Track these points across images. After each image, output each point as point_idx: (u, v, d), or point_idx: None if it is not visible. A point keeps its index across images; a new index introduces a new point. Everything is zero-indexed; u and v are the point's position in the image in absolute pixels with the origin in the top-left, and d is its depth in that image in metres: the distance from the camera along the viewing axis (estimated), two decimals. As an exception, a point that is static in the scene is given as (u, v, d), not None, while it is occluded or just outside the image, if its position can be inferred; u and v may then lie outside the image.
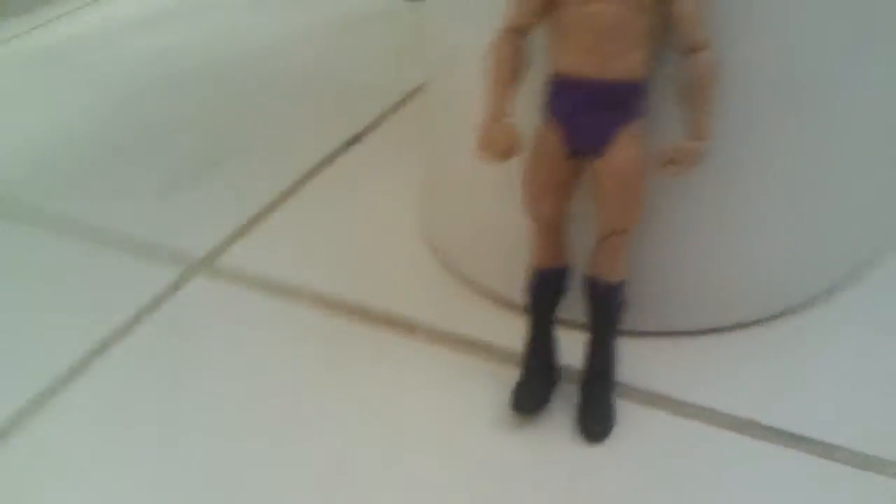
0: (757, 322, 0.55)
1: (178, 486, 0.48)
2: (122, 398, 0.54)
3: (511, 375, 0.51)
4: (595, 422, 0.49)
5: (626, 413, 0.50)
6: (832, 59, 0.49)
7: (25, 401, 0.55)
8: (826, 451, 0.47)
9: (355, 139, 0.79)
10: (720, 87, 0.45)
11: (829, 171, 0.53)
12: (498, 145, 0.46)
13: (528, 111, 0.47)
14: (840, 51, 0.49)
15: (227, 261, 0.65)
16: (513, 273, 0.56)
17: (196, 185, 0.75)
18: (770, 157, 0.50)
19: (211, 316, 0.61)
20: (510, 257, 0.56)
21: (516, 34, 0.46)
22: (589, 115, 0.45)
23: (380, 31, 1.01)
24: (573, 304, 0.51)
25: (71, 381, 0.56)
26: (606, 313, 0.49)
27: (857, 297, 0.56)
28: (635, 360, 0.52)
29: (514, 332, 0.55)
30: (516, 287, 0.56)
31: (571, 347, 0.51)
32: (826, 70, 0.49)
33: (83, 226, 0.71)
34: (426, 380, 0.54)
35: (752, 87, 0.48)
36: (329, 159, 0.76)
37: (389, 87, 0.87)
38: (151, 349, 0.58)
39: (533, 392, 0.50)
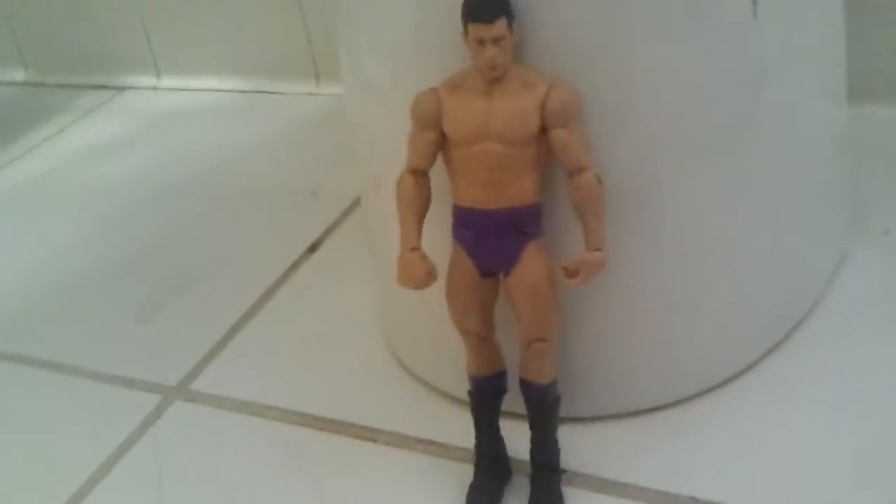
0: (692, 397, 0.58)
1: None
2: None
3: (468, 472, 0.55)
4: (544, 513, 0.52)
5: (575, 500, 0.53)
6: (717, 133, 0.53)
7: None
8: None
9: (314, 246, 0.83)
10: (605, 200, 0.49)
11: (741, 236, 0.56)
12: (414, 275, 0.50)
13: (441, 237, 0.51)
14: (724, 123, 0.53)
15: (201, 385, 0.70)
16: (464, 373, 0.60)
17: (166, 310, 0.79)
18: (678, 234, 0.54)
19: (191, 438, 0.65)
20: (460, 359, 0.60)
21: (416, 174, 0.51)
22: (490, 240, 0.50)
23: (325, 136, 1.05)
24: (517, 397, 0.54)
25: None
26: (542, 411, 0.53)
27: (780, 368, 0.60)
28: (579, 446, 0.55)
29: (470, 430, 0.59)
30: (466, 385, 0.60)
31: (521, 438, 0.54)
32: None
33: (56, 366, 0.75)
34: (389, 483, 0.57)
35: (637, 182, 0.52)
36: (291, 269, 0.81)
37: (339, 192, 0.91)
38: (140, 475, 0.62)
39: (485, 492, 0.53)
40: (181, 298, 0.80)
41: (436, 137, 0.49)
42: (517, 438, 0.55)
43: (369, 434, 0.61)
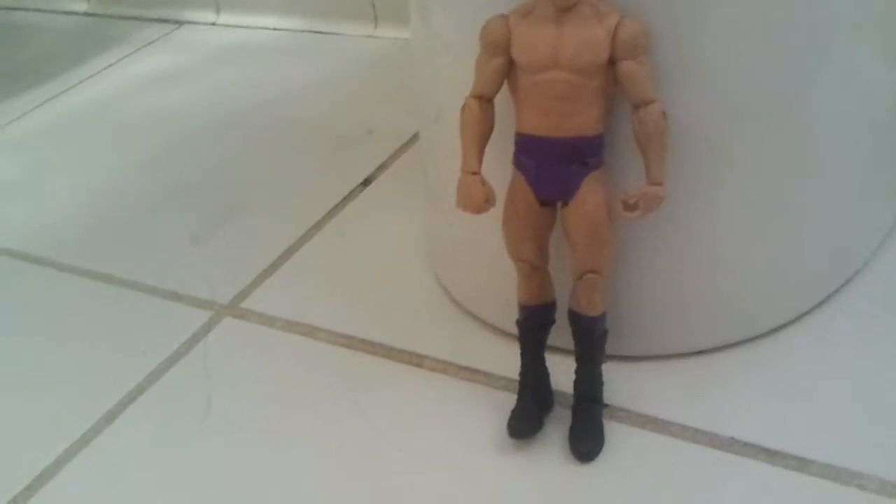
0: (736, 344, 0.59)
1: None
2: (166, 431, 0.61)
3: (510, 401, 0.56)
4: (584, 442, 0.53)
5: (615, 434, 0.54)
6: (782, 88, 0.53)
7: (80, 434, 0.62)
8: (801, 465, 0.51)
9: (367, 182, 0.84)
10: (670, 135, 0.49)
11: (796, 190, 0.56)
12: (473, 199, 0.51)
13: (501, 165, 0.52)
14: (789, 79, 0.53)
15: (252, 303, 0.71)
16: (511, 306, 0.61)
17: (219, 233, 0.80)
18: (737, 181, 0.54)
19: (240, 354, 0.67)
20: (508, 291, 0.61)
21: (480, 100, 0.51)
22: (552, 169, 0.50)
23: (382, 77, 1.06)
24: (564, 332, 0.55)
25: (118, 416, 0.63)
26: (589, 343, 0.54)
27: (830, 316, 0.60)
28: (622, 384, 0.56)
29: (513, 361, 0.60)
30: (512, 319, 0.61)
31: (565, 373, 0.56)
32: (778, 100, 0.53)
33: (116, 278, 0.77)
34: (432, 407, 0.59)
35: (702, 126, 0.52)
36: (342, 203, 0.82)
37: (394, 131, 0.92)
38: (189, 385, 0.64)
39: (527, 418, 0.54)
40: (234, 223, 0.82)
41: (503, 63, 0.50)
42: (561, 372, 0.56)
43: (414, 359, 0.63)
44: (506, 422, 0.55)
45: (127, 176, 0.94)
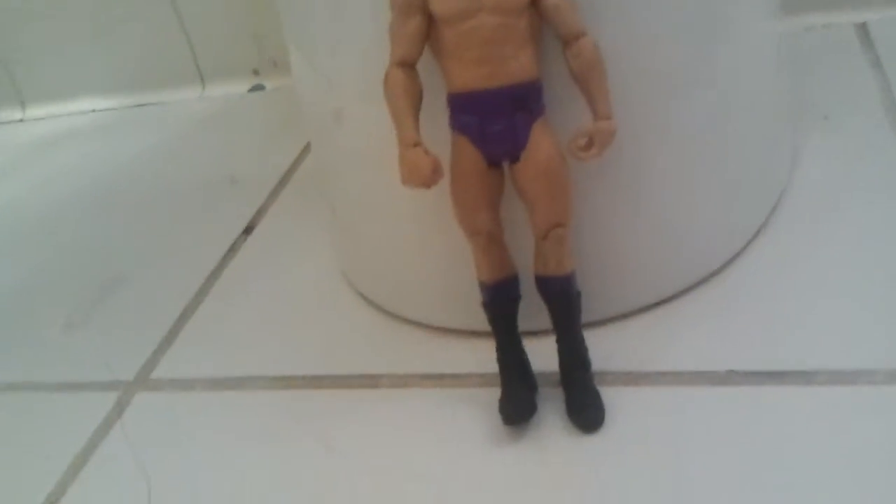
0: (696, 284, 0.57)
1: None
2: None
3: (486, 396, 0.52)
4: (586, 411, 0.49)
5: (609, 397, 0.50)
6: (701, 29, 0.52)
7: None
8: (806, 378, 0.49)
9: (249, 229, 0.78)
10: (605, 68, 0.47)
11: (721, 133, 0.56)
12: (420, 172, 0.47)
13: (435, 132, 0.48)
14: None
15: (162, 372, 0.63)
16: (453, 300, 0.57)
17: (99, 312, 0.72)
18: (665, 133, 0.53)
19: (165, 428, 0.58)
20: (445, 286, 0.57)
21: (404, 66, 0.47)
22: (495, 123, 0.47)
23: (224, 133, 1.01)
24: (529, 313, 0.52)
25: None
26: (567, 306, 0.50)
27: (771, 247, 0.59)
28: (599, 348, 0.53)
29: (473, 357, 0.56)
30: (460, 313, 0.57)
31: (539, 355, 0.52)
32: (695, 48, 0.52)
33: (2, 383, 0.67)
34: (408, 423, 0.53)
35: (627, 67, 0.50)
36: (230, 253, 0.75)
37: (260, 176, 0.87)
38: (115, 476, 0.55)
39: (520, 402, 0.50)
40: (113, 299, 0.73)
41: (422, 22, 0.46)
42: (534, 354, 0.52)
43: (367, 381, 0.57)
44: (494, 415, 0.50)
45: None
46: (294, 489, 0.51)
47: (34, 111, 1.20)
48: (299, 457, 0.53)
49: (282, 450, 0.54)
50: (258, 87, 1.09)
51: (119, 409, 0.61)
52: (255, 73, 1.09)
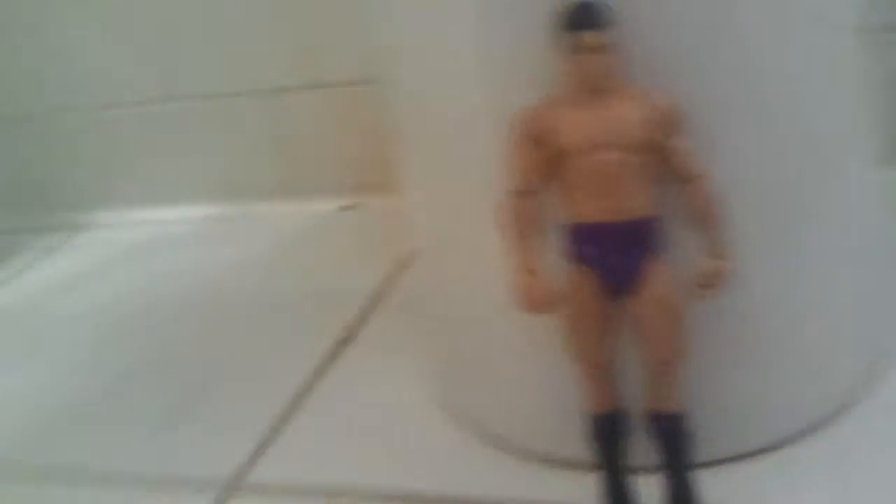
0: (809, 430, 0.57)
1: None
2: None
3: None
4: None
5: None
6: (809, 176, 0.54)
7: None
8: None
9: (347, 339, 0.80)
10: (719, 208, 0.49)
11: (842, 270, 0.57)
12: (539, 300, 0.49)
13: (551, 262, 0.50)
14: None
15: (258, 476, 0.64)
16: (555, 429, 0.58)
17: (197, 412, 0.74)
18: (773, 275, 0.54)
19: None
20: (549, 414, 0.58)
21: (525, 196, 0.50)
22: (615, 255, 0.49)
23: (323, 243, 1.04)
24: (635, 449, 0.52)
25: None
26: (678, 443, 0.50)
27: (879, 406, 0.59)
28: (703, 491, 0.53)
29: (572, 488, 0.55)
30: (561, 442, 0.57)
31: (649, 493, 0.52)
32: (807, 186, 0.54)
33: (96, 473, 0.68)
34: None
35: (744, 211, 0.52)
36: (328, 361, 0.77)
37: (355, 289, 0.89)
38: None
39: (622, 538, 0.50)
40: (211, 400, 0.75)
41: (546, 153, 0.48)
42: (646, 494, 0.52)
43: (458, 503, 0.58)
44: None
45: (65, 375, 0.86)
46: None
47: (132, 215, 1.25)
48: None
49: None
50: (348, 207, 1.13)
51: (214, 509, 0.62)
52: (347, 193, 1.14)
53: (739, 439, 0.56)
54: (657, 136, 0.48)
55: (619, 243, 0.48)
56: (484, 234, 0.54)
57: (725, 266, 0.49)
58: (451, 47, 0.55)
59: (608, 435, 0.51)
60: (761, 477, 0.55)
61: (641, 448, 0.51)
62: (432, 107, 0.57)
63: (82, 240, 1.23)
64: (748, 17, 0.51)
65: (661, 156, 0.49)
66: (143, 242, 1.17)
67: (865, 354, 0.61)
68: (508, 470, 0.59)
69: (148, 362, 0.84)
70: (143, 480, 0.67)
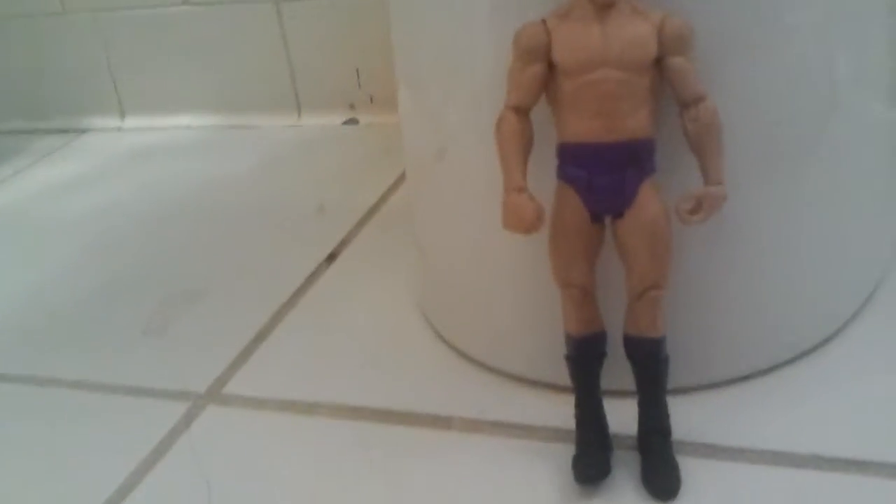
0: (785, 363, 0.56)
1: None
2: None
3: (558, 452, 0.51)
4: (663, 479, 0.48)
5: (687, 468, 0.49)
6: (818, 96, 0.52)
7: None
8: (892, 471, 0.47)
9: (332, 257, 0.79)
10: (722, 134, 0.47)
11: (827, 210, 0.55)
12: (524, 219, 0.47)
13: (541, 181, 0.48)
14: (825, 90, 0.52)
15: (234, 388, 0.63)
16: (535, 351, 0.56)
17: (177, 323, 0.73)
18: (772, 203, 0.52)
19: (232, 443, 0.58)
20: (531, 335, 0.57)
21: (519, 112, 0.47)
22: (604, 177, 0.46)
23: (316, 162, 1.02)
24: (611, 372, 0.51)
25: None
26: (655, 369, 0.49)
27: (868, 330, 0.58)
28: (681, 416, 0.51)
29: (549, 410, 0.55)
30: (542, 366, 0.56)
31: (617, 416, 0.51)
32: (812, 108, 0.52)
33: (72, 381, 0.68)
34: (477, 469, 0.52)
35: (742, 133, 0.50)
36: (311, 278, 0.76)
37: (346, 206, 0.88)
38: (180, 482, 0.55)
39: (594, 461, 0.49)
40: (192, 311, 0.74)
41: (542, 70, 0.46)
42: (612, 416, 0.51)
43: (440, 422, 0.56)
44: (563, 473, 0.49)
45: (57, 277, 0.85)
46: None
47: (133, 121, 1.23)
48: (362, 489, 0.52)
49: (345, 480, 0.53)
50: (352, 121, 1.11)
51: (188, 419, 0.61)
52: (352, 107, 1.11)
53: (727, 365, 0.55)
54: (663, 55, 0.46)
55: (610, 165, 0.46)
56: (475, 153, 0.52)
57: (719, 191, 0.46)
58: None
59: (586, 357, 0.50)
60: (733, 403, 0.54)
61: (618, 371, 0.50)
62: (435, 17, 0.55)
63: (80, 144, 1.21)
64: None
65: (665, 76, 0.46)
66: (141, 150, 1.15)
67: (857, 283, 0.60)
68: (486, 390, 0.58)
69: (134, 271, 0.83)
70: (119, 389, 0.66)
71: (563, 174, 0.47)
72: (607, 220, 0.48)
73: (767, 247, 0.53)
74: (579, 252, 0.48)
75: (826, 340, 0.57)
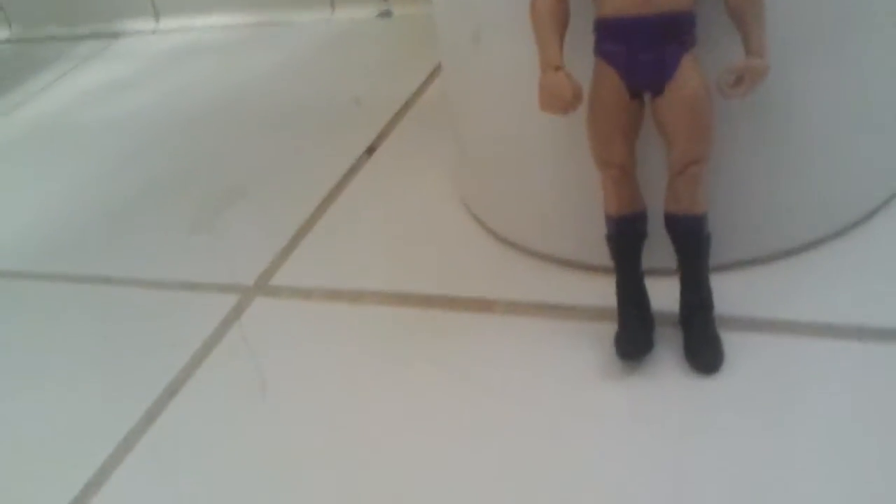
0: (838, 234, 0.55)
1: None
2: (215, 416, 0.54)
3: (601, 332, 0.51)
4: (705, 353, 0.49)
5: (731, 342, 0.49)
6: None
7: (127, 431, 0.54)
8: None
9: (371, 149, 0.79)
10: (764, 6, 0.46)
11: (872, 84, 0.53)
12: (561, 97, 0.46)
13: (578, 59, 0.47)
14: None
15: (281, 279, 0.65)
16: (577, 232, 0.56)
17: (222, 219, 0.74)
18: (816, 76, 0.51)
19: (282, 332, 0.60)
20: (571, 217, 0.57)
21: None
22: (644, 52, 0.46)
23: (351, 55, 1.01)
24: (653, 250, 0.51)
25: (158, 415, 0.55)
26: (697, 246, 0.49)
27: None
28: (724, 292, 0.51)
29: (591, 291, 0.55)
30: (583, 248, 0.56)
31: (657, 294, 0.51)
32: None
33: (116, 279, 0.70)
34: (521, 350, 0.53)
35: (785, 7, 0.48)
36: (351, 171, 0.76)
37: (383, 100, 0.87)
38: (233, 370, 0.57)
39: (636, 338, 0.49)
40: (236, 208, 0.75)
41: (578, -56, 0.45)
42: (655, 293, 0.51)
43: (483, 306, 0.57)
44: (610, 349, 0.50)
45: (103, 179, 0.86)
46: (400, 402, 0.52)
47: (167, 23, 1.22)
48: (409, 372, 0.53)
49: (392, 364, 0.54)
50: (386, 14, 1.09)
51: (238, 311, 0.62)
52: (385, -1, 1.10)
53: (771, 239, 0.55)
54: None
55: (649, 39, 0.45)
56: (514, 30, 0.51)
57: (761, 64, 0.45)
58: None
59: (627, 237, 0.50)
60: (777, 277, 0.54)
61: (659, 249, 0.50)
62: None
63: (118, 48, 1.21)
64: None
65: None
66: (180, 50, 1.15)
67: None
68: (528, 273, 0.59)
69: (177, 171, 0.84)
70: (170, 284, 0.67)
71: (601, 50, 0.46)
72: (646, 96, 0.47)
73: (815, 118, 0.52)
74: (618, 130, 0.47)
75: (872, 213, 0.56)
